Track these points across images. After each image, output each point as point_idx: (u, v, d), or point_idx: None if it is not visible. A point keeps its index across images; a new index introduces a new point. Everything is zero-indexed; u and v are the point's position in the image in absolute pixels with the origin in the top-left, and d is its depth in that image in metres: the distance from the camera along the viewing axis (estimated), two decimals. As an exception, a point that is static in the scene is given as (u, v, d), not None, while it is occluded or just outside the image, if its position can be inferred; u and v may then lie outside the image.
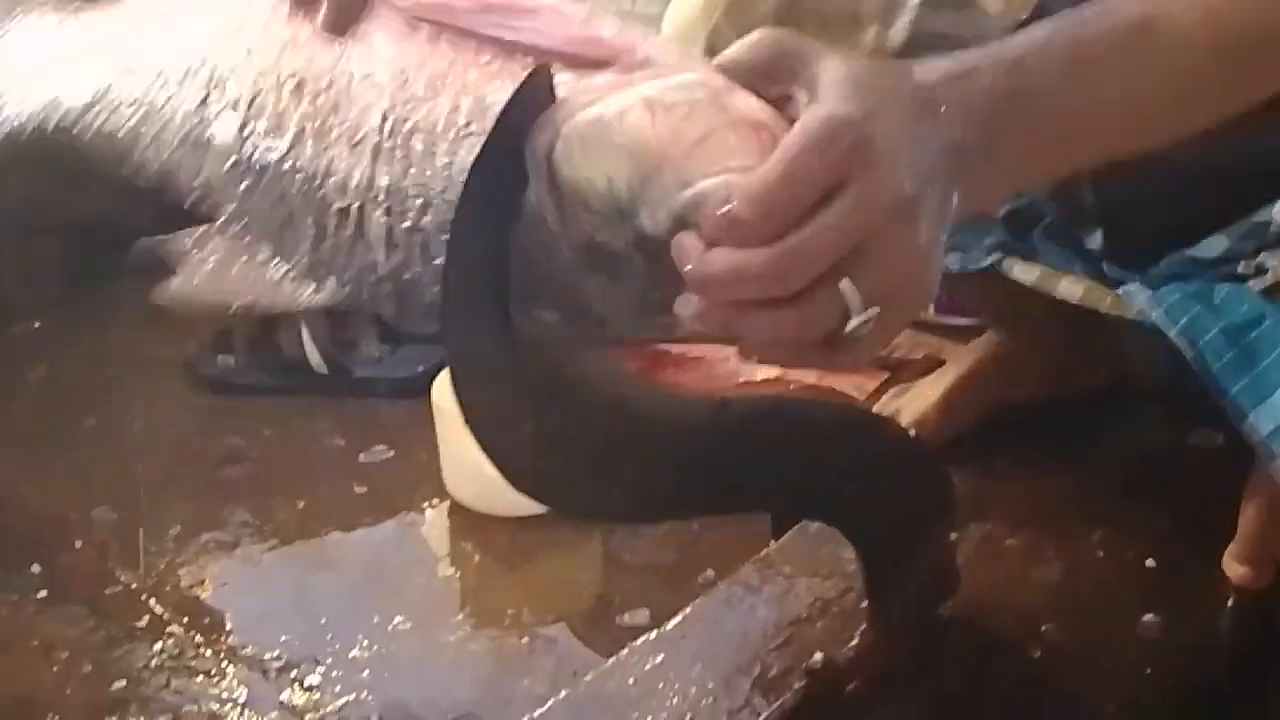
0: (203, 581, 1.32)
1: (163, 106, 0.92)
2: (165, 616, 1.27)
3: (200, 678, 1.20)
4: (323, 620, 1.27)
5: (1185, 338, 0.99)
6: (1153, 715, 1.04)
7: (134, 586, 1.31)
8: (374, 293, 0.85)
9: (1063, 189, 1.11)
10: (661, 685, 1.06)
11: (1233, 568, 1.12)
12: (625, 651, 1.10)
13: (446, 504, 1.41)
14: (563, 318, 0.78)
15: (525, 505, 1.25)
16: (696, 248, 0.66)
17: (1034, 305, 1.15)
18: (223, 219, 0.89)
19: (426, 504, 1.41)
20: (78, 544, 1.35)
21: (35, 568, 1.31)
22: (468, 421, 0.78)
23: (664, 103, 0.70)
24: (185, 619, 1.27)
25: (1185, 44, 0.75)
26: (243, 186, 0.88)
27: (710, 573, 1.27)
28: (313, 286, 0.87)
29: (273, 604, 1.30)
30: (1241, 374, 0.96)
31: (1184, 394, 1.28)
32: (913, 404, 1.31)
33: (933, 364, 1.41)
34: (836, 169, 0.65)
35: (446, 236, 0.78)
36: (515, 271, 0.76)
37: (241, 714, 1.17)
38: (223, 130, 0.89)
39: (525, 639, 1.25)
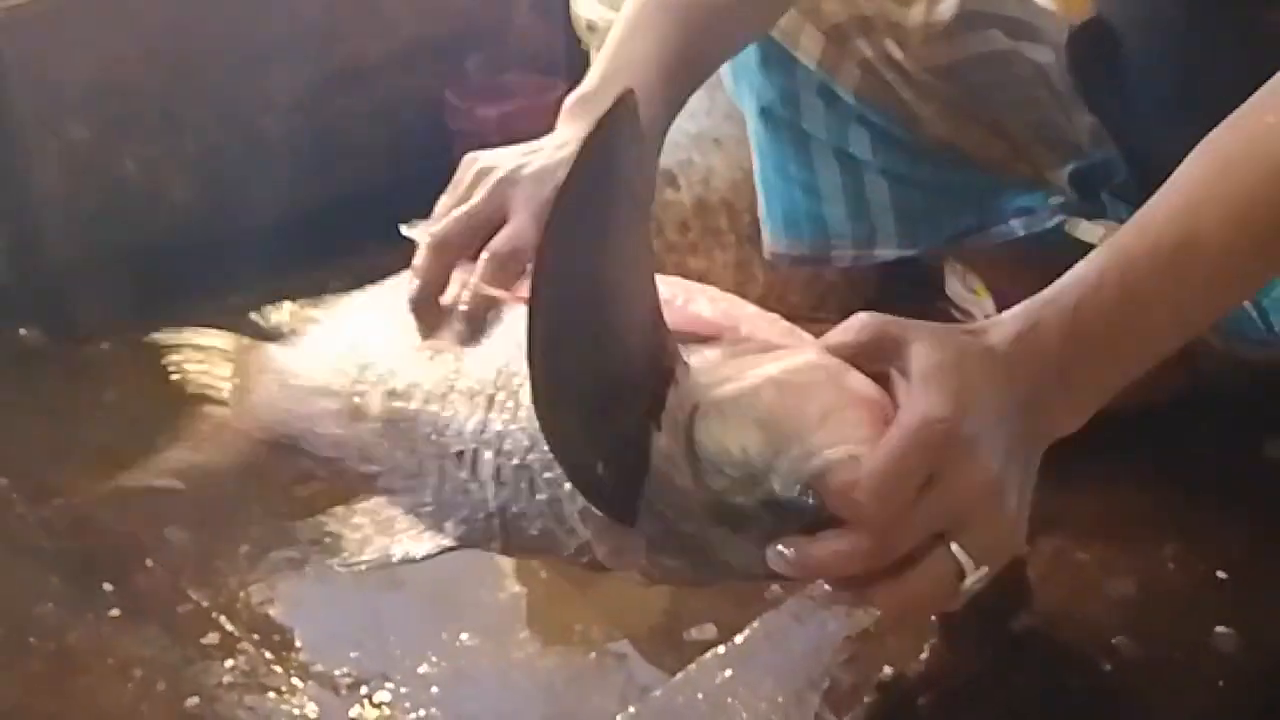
0: (274, 599, 1.33)
1: None
2: (237, 634, 1.28)
3: (272, 694, 1.21)
4: (392, 638, 1.27)
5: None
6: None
7: (205, 604, 1.32)
8: (485, 529, 0.95)
9: (1135, 146, 1.10)
10: (730, 700, 1.06)
11: None
12: (693, 666, 1.11)
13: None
14: (686, 563, 0.87)
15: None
16: (796, 554, 0.80)
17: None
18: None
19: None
20: (149, 563, 1.37)
21: (108, 586, 1.33)
22: (547, 437, 0.80)
23: (790, 384, 0.83)
24: (256, 636, 1.28)
25: (1222, 253, 0.83)
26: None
27: (777, 588, 1.26)
28: (435, 531, 0.99)
29: (343, 622, 1.30)
30: None
31: (1258, 403, 1.28)
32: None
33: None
34: (932, 463, 0.77)
35: (550, 474, 0.88)
36: (644, 523, 0.86)
37: (312, 730, 1.18)
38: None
39: (593, 655, 1.25)
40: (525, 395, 0.91)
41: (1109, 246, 0.85)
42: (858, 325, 0.85)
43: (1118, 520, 1.19)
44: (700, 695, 1.06)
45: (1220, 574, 1.13)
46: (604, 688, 1.21)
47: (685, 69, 1.12)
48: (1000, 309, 1.31)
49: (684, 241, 1.67)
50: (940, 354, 0.80)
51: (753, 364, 0.85)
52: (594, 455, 0.82)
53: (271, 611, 1.31)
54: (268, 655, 1.25)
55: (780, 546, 0.80)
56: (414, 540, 1.01)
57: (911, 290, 1.65)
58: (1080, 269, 0.86)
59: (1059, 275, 0.86)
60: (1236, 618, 1.08)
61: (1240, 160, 0.83)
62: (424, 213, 1.10)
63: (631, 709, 1.08)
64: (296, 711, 1.19)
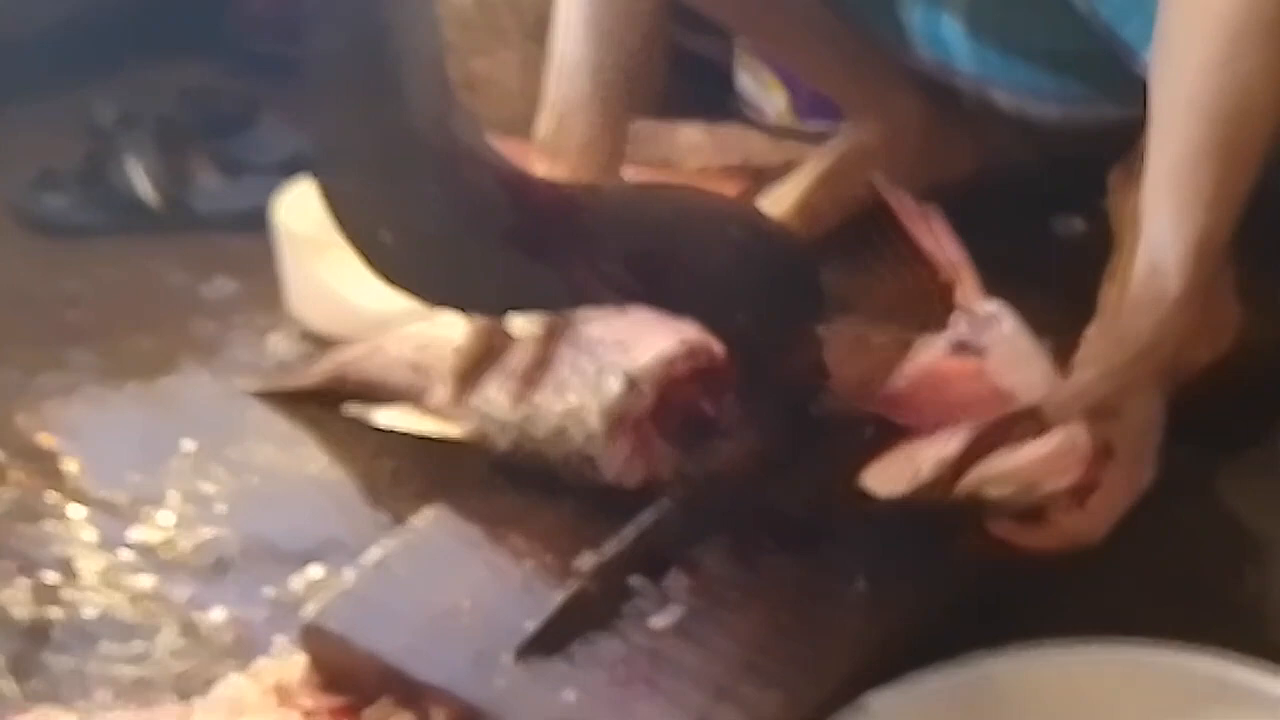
0: (47, 426, 1.26)
1: None
2: (4, 461, 1.21)
3: (49, 521, 1.15)
4: (173, 460, 1.22)
5: None
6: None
7: (-30, 435, 1.25)
8: None
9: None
10: (537, 499, 1.04)
11: None
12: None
13: (297, 331, 1.36)
14: None
15: (373, 327, 1.23)
16: None
17: (896, 92, 1.13)
18: None
19: (273, 333, 1.36)
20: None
21: None
22: (331, 210, 0.75)
23: None
24: (29, 464, 1.21)
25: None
26: None
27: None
28: None
29: (121, 445, 1.25)
30: (1132, 14, 0.99)
31: (1046, 181, 1.28)
32: (773, 207, 1.28)
33: (792, 170, 1.38)
34: None
35: None
36: None
37: (92, 555, 1.12)
38: None
39: (390, 463, 1.22)
40: None
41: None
42: None
43: (912, 301, 1.18)
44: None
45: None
46: (402, 498, 1.17)
47: None
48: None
49: (466, 41, 1.60)
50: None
51: None
52: (376, 220, 0.77)
53: (44, 439, 1.25)
54: (40, 481, 1.19)
55: None
56: None
57: (702, 87, 1.62)
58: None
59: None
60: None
61: None
62: None
63: (429, 511, 1.05)
64: (74, 536, 1.14)
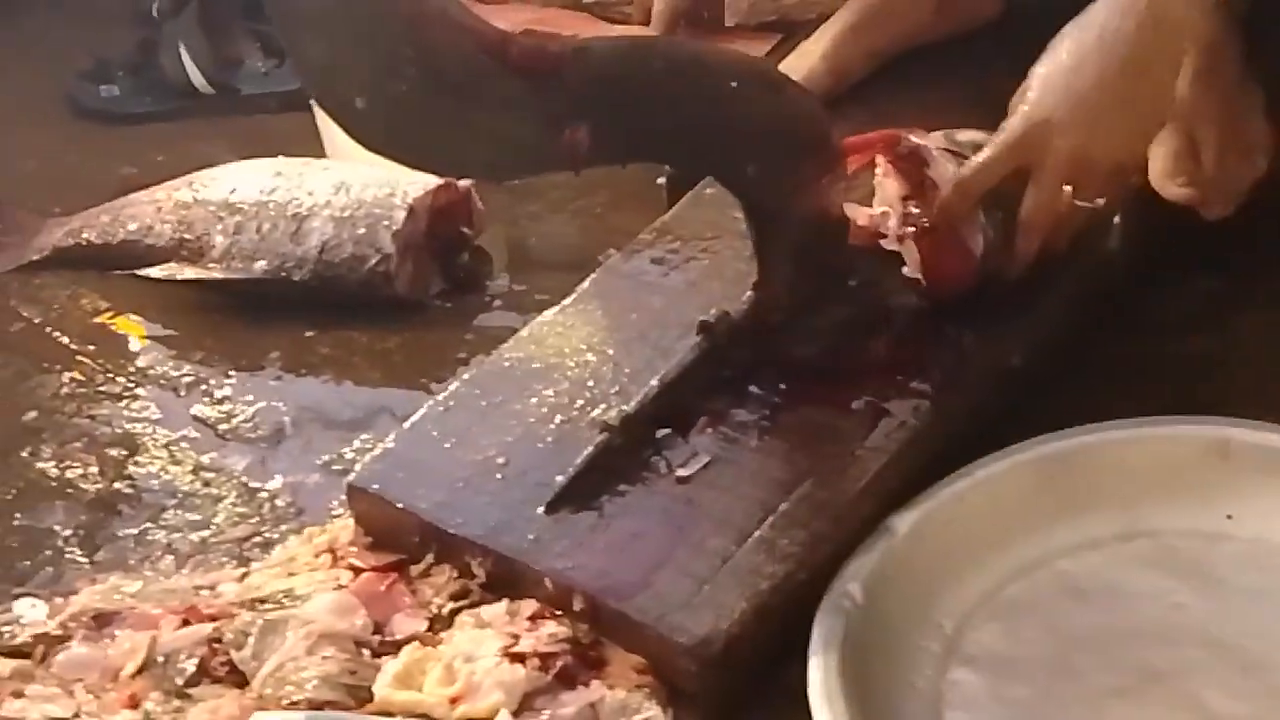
0: (106, 310, 1.31)
1: None
2: (72, 346, 1.26)
3: (110, 402, 1.20)
4: (228, 338, 1.26)
5: None
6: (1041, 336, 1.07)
7: (37, 321, 1.30)
8: None
9: None
10: (565, 357, 1.07)
11: (1169, 188, 1.12)
12: (528, 327, 1.11)
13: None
14: None
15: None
16: None
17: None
18: None
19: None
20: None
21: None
22: (304, 78, 0.76)
23: None
24: (92, 347, 1.26)
25: None
26: None
27: (612, 252, 1.26)
28: None
29: (179, 326, 1.29)
30: None
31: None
32: (799, 61, 1.29)
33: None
34: None
35: None
36: None
37: (153, 431, 1.17)
38: None
39: (434, 332, 1.26)
40: None
41: None
42: None
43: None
44: (533, 350, 1.07)
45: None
46: (444, 363, 1.21)
47: None
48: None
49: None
50: None
51: None
52: (349, 87, 0.78)
53: (105, 321, 1.30)
54: (103, 364, 1.24)
55: None
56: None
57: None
58: None
59: None
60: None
61: None
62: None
63: (468, 372, 1.09)
64: (137, 414, 1.19)
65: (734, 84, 0.93)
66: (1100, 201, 1.07)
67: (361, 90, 0.78)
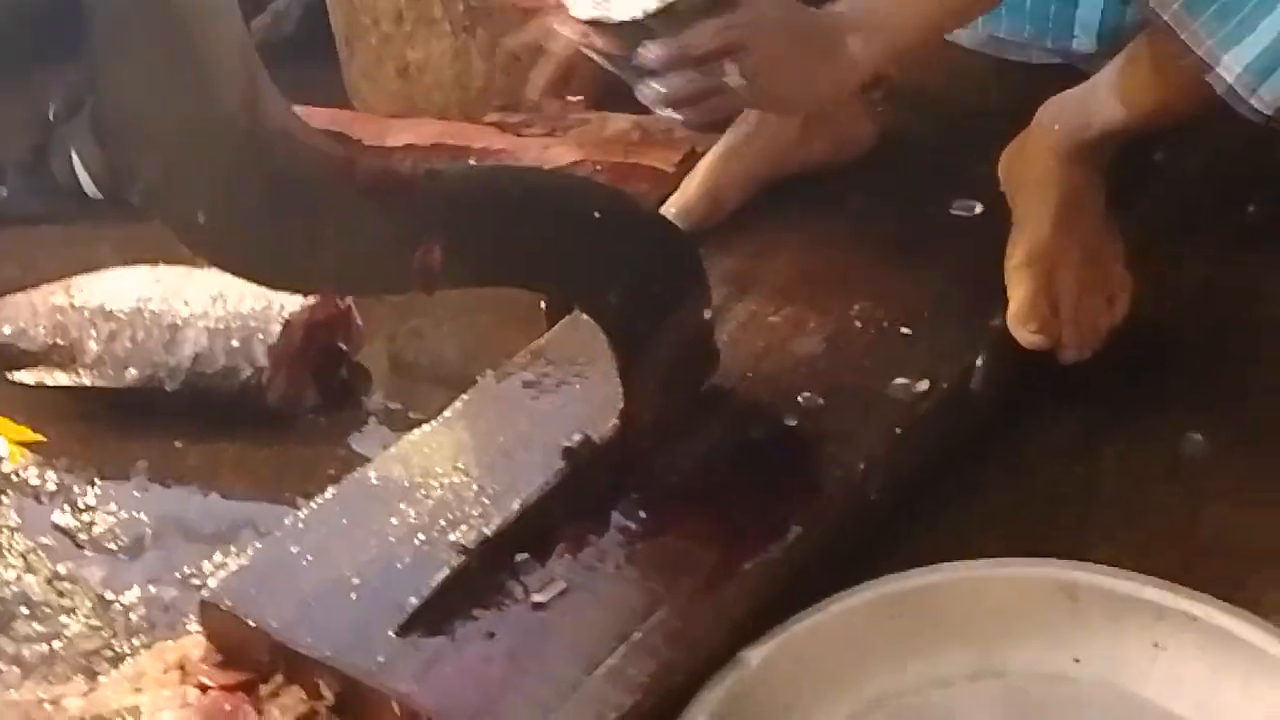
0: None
1: None
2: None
3: (-29, 509, 1.19)
4: (96, 446, 1.25)
5: None
6: (900, 471, 1.08)
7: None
8: None
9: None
10: (430, 477, 1.07)
11: (1021, 333, 1.14)
12: (396, 446, 1.11)
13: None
14: None
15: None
16: None
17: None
18: None
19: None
20: None
21: None
22: (132, 187, 0.77)
23: None
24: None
25: None
26: None
27: (490, 374, 1.26)
28: None
29: (47, 432, 1.28)
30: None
31: (944, 165, 1.31)
32: (679, 194, 1.30)
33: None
34: None
35: None
36: None
37: (11, 537, 1.15)
38: None
39: (305, 447, 1.25)
40: None
41: None
42: None
43: (810, 283, 1.21)
44: (402, 471, 1.07)
45: (904, 329, 1.15)
46: (314, 478, 1.20)
47: None
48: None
49: (399, 33, 1.63)
50: None
51: None
52: (190, 202, 0.78)
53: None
54: (-35, 467, 1.23)
55: None
56: None
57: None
58: None
59: None
60: (915, 369, 1.12)
61: None
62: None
63: (332, 491, 1.08)
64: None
65: (596, 214, 0.94)
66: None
67: (202, 205, 0.78)
